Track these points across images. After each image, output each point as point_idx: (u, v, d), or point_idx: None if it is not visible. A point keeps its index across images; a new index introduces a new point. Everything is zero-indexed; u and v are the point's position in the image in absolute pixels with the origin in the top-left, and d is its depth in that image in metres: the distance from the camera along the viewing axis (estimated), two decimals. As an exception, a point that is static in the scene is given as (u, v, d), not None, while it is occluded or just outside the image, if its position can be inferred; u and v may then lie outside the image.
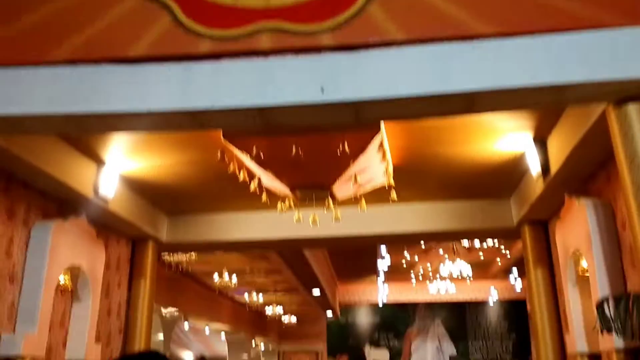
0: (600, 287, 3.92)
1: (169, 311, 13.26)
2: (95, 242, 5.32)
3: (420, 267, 20.68)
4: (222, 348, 21.36)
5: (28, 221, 4.63)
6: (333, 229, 6.26)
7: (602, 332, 3.06)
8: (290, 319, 21.51)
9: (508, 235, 6.79)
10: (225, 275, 12.66)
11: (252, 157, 4.43)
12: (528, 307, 22.09)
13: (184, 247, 7.25)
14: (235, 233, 6.59)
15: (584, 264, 4.61)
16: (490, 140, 4.94)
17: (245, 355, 20.65)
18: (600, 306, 3.03)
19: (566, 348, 5.21)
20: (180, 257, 10.09)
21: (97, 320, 5.29)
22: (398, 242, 8.45)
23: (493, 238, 9.53)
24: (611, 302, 3.02)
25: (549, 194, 5.12)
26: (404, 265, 18.76)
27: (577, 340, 4.66)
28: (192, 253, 10.14)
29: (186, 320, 16.29)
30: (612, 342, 3.77)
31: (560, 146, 4.46)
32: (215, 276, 12.62)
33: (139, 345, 5.54)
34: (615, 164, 3.29)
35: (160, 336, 12.61)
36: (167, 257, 10.06)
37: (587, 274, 4.56)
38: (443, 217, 6.35)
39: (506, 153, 5.20)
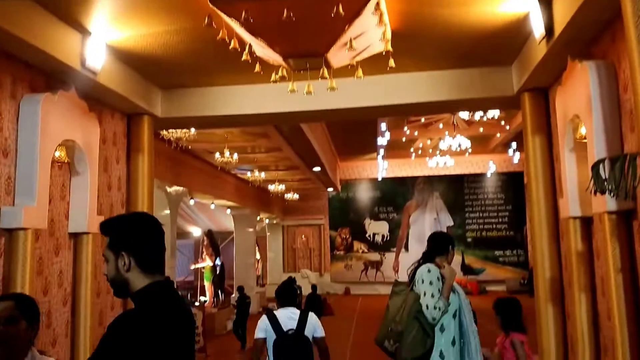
0: (597, 150, 3.89)
1: (174, 189, 13.55)
2: (88, 116, 5.25)
3: (420, 142, 20.82)
4: (229, 223, 22.19)
5: (16, 94, 4.52)
6: (329, 102, 6.15)
7: (595, 193, 3.08)
8: (292, 196, 22.08)
9: (508, 104, 6.68)
10: (227, 153, 12.75)
11: (241, 24, 4.21)
12: (525, 179, 22.45)
13: (180, 122, 7.18)
14: (231, 107, 6.48)
15: (582, 130, 4.56)
16: (494, 0, 4.67)
17: (250, 230, 21.48)
18: (595, 167, 3.02)
19: (559, 213, 5.33)
20: (180, 135, 10.08)
21: (98, 193, 5.37)
22: (396, 113, 8.33)
23: (492, 108, 9.41)
24: (607, 163, 3.01)
25: (551, 58, 4.93)
26: (404, 141, 18.87)
27: (571, 205, 4.75)
28: (191, 130, 10.13)
29: (192, 197, 16.77)
30: (605, 204, 3.83)
31: (566, 5, 4.22)
32: (217, 155, 12.73)
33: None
34: (621, 24, 3.15)
35: (167, 211, 13.02)
36: (166, 133, 10.06)
37: (584, 140, 4.52)
38: (442, 87, 6.20)
39: (509, 15, 4.93)
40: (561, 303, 5.57)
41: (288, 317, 3.87)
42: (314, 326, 3.91)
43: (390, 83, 6.17)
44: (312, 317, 3.94)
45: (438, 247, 3.91)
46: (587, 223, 4.77)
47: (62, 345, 4.96)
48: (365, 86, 5.95)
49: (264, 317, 3.91)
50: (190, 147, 13.57)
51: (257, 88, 6.36)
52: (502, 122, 17.37)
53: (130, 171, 5.99)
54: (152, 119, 6.42)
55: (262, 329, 3.87)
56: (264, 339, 3.83)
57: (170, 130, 10.00)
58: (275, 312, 3.91)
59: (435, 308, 3.55)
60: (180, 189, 13.90)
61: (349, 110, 6.45)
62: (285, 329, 3.78)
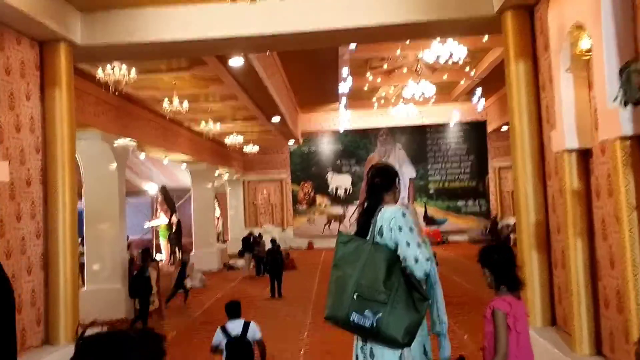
0: (608, 59, 3.15)
1: (121, 142, 12.45)
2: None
3: (383, 91, 20.02)
4: (186, 179, 21.17)
5: None
6: (282, 23, 5.21)
7: (625, 104, 2.35)
8: (252, 149, 21.10)
9: (487, 27, 5.89)
10: (176, 101, 11.67)
11: None
12: (488, 128, 21.93)
13: (105, 51, 6.06)
14: (165, 32, 5.42)
15: (583, 43, 3.83)
16: None
17: (209, 185, 20.51)
18: (625, 70, 2.28)
19: (549, 147, 4.65)
20: (118, 77, 8.96)
21: (2, 135, 4.39)
22: (360, 39, 7.15)
23: (470, 33, 8.46)
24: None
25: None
26: (366, 89, 18.03)
27: (567, 136, 4.05)
28: (131, 72, 9.03)
29: (142, 151, 15.65)
30: (619, 128, 3.10)
31: None
32: (165, 102, 11.63)
33: (61, 163, 4.75)
34: None
35: (113, 166, 11.96)
36: (102, 76, 8.93)
37: (586, 56, 3.80)
38: (413, 5, 5.32)
39: None
40: (547, 250, 4.97)
41: (235, 326, 5.15)
42: (254, 331, 5.15)
43: (352, 2, 5.26)
44: (252, 325, 5.19)
45: (387, 181, 2.97)
46: (584, 157, 4.09)
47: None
48: (323, 6, 5.05)
49: (219, 329, 5.19)
50: (134, 95, 12.42)
51: (198, 9, 5.32)
52: (467, 69, 16.72)
53: (45, 110, 4.97)
54: (71, 47, 5.35)
55: (217, 338, 5.15)
56: (218, 345, 5.14)
57: (107, 72, 8.87)
58: (226, 324, 5.19)
59: (427, 260, 2.77)
60: (128, 141, 12.79)
61: (304, 35, 5.47)
62: (232, 335, 5.08)
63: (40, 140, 4.89)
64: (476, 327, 8.91)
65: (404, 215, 2.78)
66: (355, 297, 2.72)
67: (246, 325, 5.10)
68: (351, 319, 2.74)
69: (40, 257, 4.37)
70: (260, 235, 19.06)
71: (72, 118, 4.99)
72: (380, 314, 2.69)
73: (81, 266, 15.59)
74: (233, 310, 5.27)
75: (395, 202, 2.90)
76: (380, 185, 2.96)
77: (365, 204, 2.91)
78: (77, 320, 4.59)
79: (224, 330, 5.10)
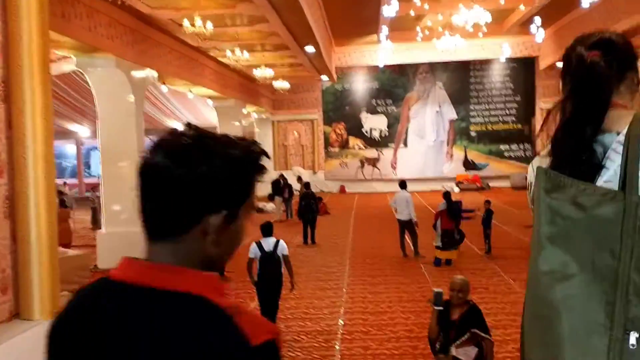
0: None
1: (140, 73, 11.18)
2: None
3: (429, 20, 18.09)
4: (213, 117, 19.95)
5: None
6: None
7: None
8: (282, 85, 19.61)
9: None
10: (198, 21, 10.22)
11: None
12: (540, 64, 19.87)
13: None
14: None
15: None
16: None
17: (236, 124, 19.26)
18: None
19: None
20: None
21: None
22: None
23: None
24: None
25: None
26: (412, 15, 16.11)
27: None
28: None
29: (163, 82, 14.38)
30: None
31: None
32: (186, 22, 10.19)
33: (29, 72, 3.43)
34: None
35: (131, 98, 10.74)
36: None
37: None
38: None
39: None
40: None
41: (268, 243, 6.13)
42: (283, 248, 6.12)
43: None
44: (281, 242, 6.17)
45: (619, 60, 1.26)
46: None
47: None
48: None
49: (254, 244, 6.15)
50: (152, 16, 11.00)
51: None
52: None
53: (7, 23, 3.54)
54: None
55: (253, 251, 6.09)
56: (254, 257, 6.09)
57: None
58: (261, 240, 6.14)
59: None
60: (147, 71, 11.50)
61: None
62: (266, 250, 6.06)
63: None
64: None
65: None
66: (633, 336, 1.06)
67: (277, 243, 6.14)
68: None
69: (4, 201, 3.14)
70: (282, 175, 17.86)
71: (46, 36, 3.60)
72: None
73: (96, 209, 14.82)
74: (267, 229, 6.29)
75: (633, 101, 1.38)
76: (605, 69, 1.25)
77: (571, 111, 1.34)
78: (58, 287, 3.38)
79: (259, 245, 6.11)
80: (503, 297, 7.46)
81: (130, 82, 10.82)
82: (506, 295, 7.55)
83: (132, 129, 10.85)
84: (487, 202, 10.82)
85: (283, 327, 6.54)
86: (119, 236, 10.51)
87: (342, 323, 6.66)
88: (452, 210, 9.54)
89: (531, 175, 1.37)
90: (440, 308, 3.78)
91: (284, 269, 6.13)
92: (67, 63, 10.93)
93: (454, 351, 3.68)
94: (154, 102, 18.59)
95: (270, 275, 6.04)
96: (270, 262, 6.02)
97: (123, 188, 10.92)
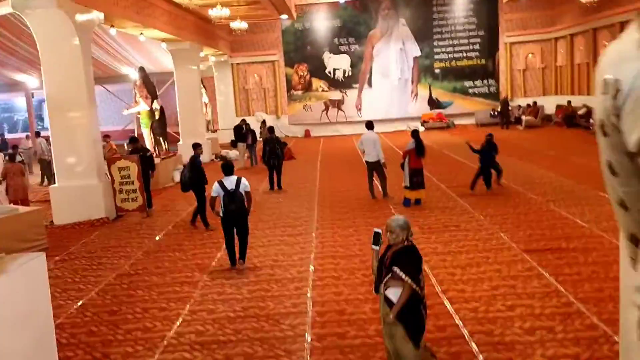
0: None
1: (85, 14, 10.31)
2: None
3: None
4: (169, 62, 18.98)
5: None
6: None
7: None
8: (240, 25, 18.68)
9: None
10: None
11: None
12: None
13: None
14: None
15: None
16: None
17: (194, 67, 18.40)
18: None
19: None
20: None
21: None
22: None
23: None
24: None
25: None
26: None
27: None
28: None
29: (111, 25, 13.42)
30: None
31: None
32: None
33: None
34: None
35: (76, 42, 9.92)
36: None
37: None
38: None
39: None
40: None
41: (230, 182, 6.59)
42: (245, 185, 6.60)
43: None
44: (243, 180, 6.65)
45: None
46: None
47: None
48: None
49: (216, 183, 6.62)
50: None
51: None
52: None
53: None
54: None
55: (215, 190, 6.59)
56: (217, 195, 6.59)
57: None
58: (223, 180, 6.62)
59: None
60: (93, 13, 10.62)
61: None
62: (229, 189, 6.52)
63: None
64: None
65: None
66: None
67: (239, 180, 6.58)
68: None
69: None
70: (244, 120, 17.29)
71: None
72: None
73: (47, 162, 14.00)
74: (228, 169, 6.76)
75: None
76: None
77: None
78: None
79: (221, 184, 6.54)
80: (475, 234, 7.37)
81: (74, 24, 9.98)
82: (477, 232, 7.46)
83: (80, 75, 10.11)
84: (489, 135, 10.29)
85: (252, 276, 6.31)
86: (74, 190, 10.00)
87: (313, 269, 6.46)
88: (420, 149, 9.31)
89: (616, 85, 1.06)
90: (377, 248, 3.65)
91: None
92: (2, 5, 10.00)
93: (382, 290, 3.53)
94: (102, 46, 17.50)
95: (234, 211, 6.47)
96: (233, 199, 6.46)
97: (75, 139, 10.31)
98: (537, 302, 5.04)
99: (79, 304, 5.80)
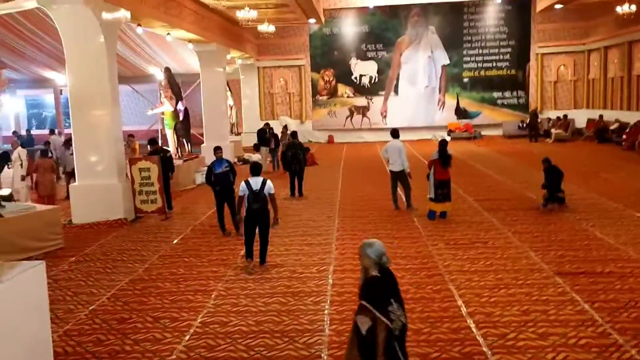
0: None
1: (112, 11, 10.24)
2: None
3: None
4: (195, 63, 18.94)
5: None
6: None
7: None
8: (267, 28, 18.54)
9: None
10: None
11: None
12: (537, 6, 18.87)
13: None
14: None
15: None
16: None
17: (219, 69, 18.32)
18: None
19: None
20: None
21: None
22: None
23: None
24: None
25: None
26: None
27: None
28: None
29: (138, 24, 13.37)
30: None
31: None
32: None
33: None
34: None
35: (101, 39, 9.84)
36: None
37: None
38: None
39: None
40: None
41: (255, 182, 6.74)
42: (270, 187, 6.74)
43: None
44: (268, 182, 6.79)
45: None
46: None
47: None
48: None
49: (243, 182, 6.76)
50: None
51: None
52: None
53: None
54: None
55: (242, 189, 6.74)
56: (244, 195, 6.73)
57: None
58: (249, 179, 6.78)
59: None
60: (120, 11, 10.54)
61: None
62: (254, 189, 6.68)
63: None
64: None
65: None
66: None
67: (264, 182, 6.75)
68: None
69: None
70: (267, 124, 17.21)
71: None
72: None
73: (56, 159, 13.94)
74: (255, 169, 6.94)
75: None
76: None
77: None
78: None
79: (247, 184, 6.71)
80: (503, 253, 7.01)
81: (99, 21, 9.90)
82: (506, 250, 7.10)
83: (104, 73, 10.02)
84: (546, 161, 9.63)
85: (268, 287, 6.06)
86: (94, 189, 9.89)
87: (332, 283, 6.18)
88: (446, 159, 8.97)
89: None
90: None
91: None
92: (27, -1, 9.97)
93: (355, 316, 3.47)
94: (130, 45, 17.52)
95: (257, 210, 6.66)
96: (256, 199, 6.64)
97: (97, 138, 10.21)
98: (571, 330, 4.68)
99: (89, 309, 5.62)
